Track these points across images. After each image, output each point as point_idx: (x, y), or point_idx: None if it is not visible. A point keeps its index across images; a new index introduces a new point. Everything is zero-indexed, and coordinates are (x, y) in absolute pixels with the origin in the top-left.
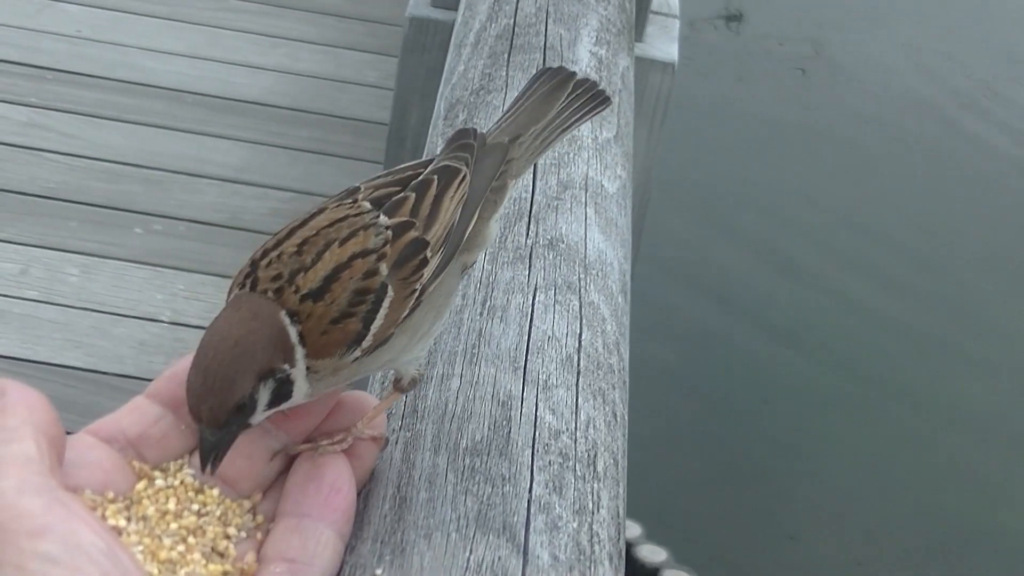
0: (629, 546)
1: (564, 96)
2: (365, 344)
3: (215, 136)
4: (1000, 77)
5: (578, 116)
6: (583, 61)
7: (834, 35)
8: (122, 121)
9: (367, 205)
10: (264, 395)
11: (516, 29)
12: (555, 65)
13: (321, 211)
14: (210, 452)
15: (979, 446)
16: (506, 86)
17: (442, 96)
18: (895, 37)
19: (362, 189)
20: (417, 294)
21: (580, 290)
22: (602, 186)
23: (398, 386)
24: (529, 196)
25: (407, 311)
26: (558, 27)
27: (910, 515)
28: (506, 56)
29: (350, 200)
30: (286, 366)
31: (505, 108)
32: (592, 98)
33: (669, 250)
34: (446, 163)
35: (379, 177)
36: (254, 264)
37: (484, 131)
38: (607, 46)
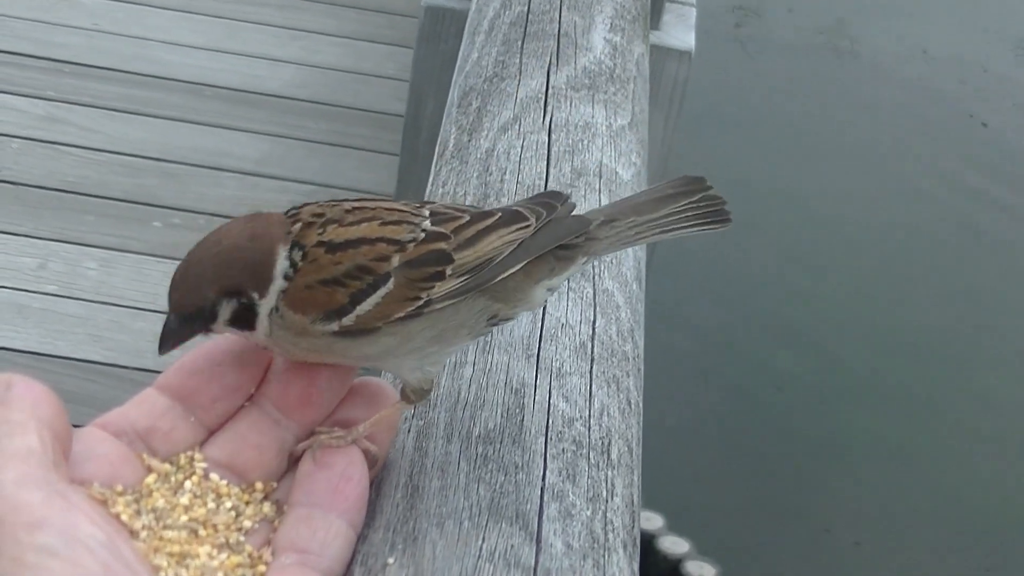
0: (651, 537)
1: (684, 202)
2: (346, 321)
3: (234, 129)
4: (1017, 66)
5: (686, 224)
6: (597, 48)
7: (853, 25)
8: (141, 114)
9: (426, 212)
10: (226, 310)
11: (530, 16)
12: (690, 175)
13: (387, 199)
14: (169, 337)
15: (1010, 435)
16: (519, 73)
17: (456, 84)
18: (915, 27)
19: (431, 203)
20: (421, 303)
21: (594, 277)
22: (616, 173)
23: (404, 396)
24: (543, 183)
25: (403, 313)
26: (572, 14)
27: (940, 506)
28: (520, 43)
29: (417, 203)
30: (255, 295)
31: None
32: (710, 212)
33: (689, 239)
34: (517, 208)
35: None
36: (309, 202)
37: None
38: (622, 33)
